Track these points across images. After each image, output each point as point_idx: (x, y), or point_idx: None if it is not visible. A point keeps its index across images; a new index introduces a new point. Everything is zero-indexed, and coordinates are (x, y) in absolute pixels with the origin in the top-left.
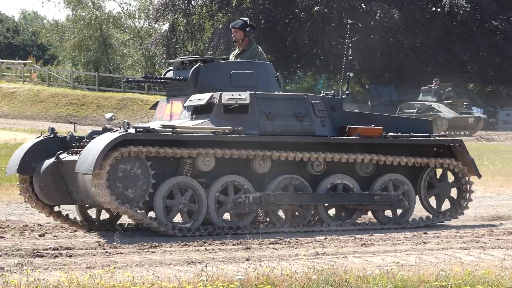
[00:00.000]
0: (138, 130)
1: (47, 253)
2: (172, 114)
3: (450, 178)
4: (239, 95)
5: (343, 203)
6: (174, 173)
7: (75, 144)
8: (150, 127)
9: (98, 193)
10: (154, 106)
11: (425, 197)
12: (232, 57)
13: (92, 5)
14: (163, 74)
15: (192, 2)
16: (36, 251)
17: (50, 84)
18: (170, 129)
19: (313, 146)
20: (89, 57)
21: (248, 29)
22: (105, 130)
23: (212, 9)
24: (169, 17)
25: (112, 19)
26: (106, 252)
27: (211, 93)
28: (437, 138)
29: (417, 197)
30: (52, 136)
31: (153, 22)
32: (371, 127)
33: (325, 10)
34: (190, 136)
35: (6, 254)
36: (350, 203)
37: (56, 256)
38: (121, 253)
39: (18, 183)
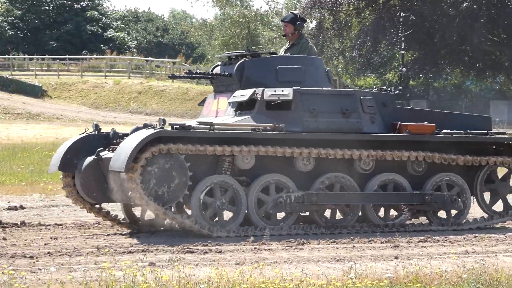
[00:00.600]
0: (174, 127)
1: (197, 249)
2: (218, 111)
3: None
4: (282, 90)
5: (391, 202)
6: (213, 172)
7: (117, 140)
8: (186, 124)
9: (131, 191)
10: (202, 102)
11: (482, 197)
12: (282, 52)
13: (240, 4)
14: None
15: None
16: (186, 247)
17: (198, 82)
18: (208, 126)
19: (360, 143)
20: None
21: (298, 22)
22: (146, 126)
23: (359, 6)
24: (316, 14)
25: (259, 17)
26: (255, 248)
27: (253, 89)
28: (495, 136)
29: (473, 197)
30: (96, 132)
31: None
32: (422, 124)
33: (474, 6)
34: (227, 133)
35: (157, 250)
36: (400, 203)
37: (205, 252)
38: (269, 249)
39: (61, 177)
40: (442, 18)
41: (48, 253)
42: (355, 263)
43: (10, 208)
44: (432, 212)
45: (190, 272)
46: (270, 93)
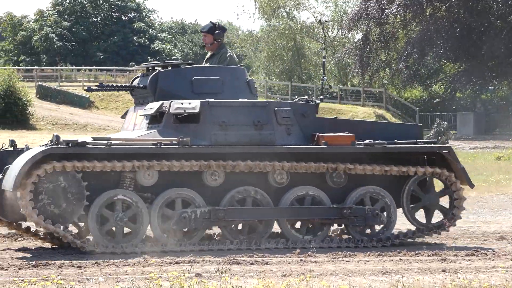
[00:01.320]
0: (68, 143)
1: (243, 261)
2: (136, 124)
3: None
4: (189, 103)
5: (305, 217)
6: (113, 188)
7: None
8: (80, 140)
9: (23, 208)
10: (125, 115)
11: (408, 210)
12: (204, 63)
13: (286, 16)
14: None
15: (386, 11)
16: (232, 258)
17: None
18: (105, 142)
19: (272, 156)
20: (283, 67)
21: (217, 32)
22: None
23: (406, 18)
24: (363, 26)
25: (305, 29)
26: (301, 260)
27: (161, 102)
28: (421, 146)
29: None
30: (11, 148)
31: (347, 32)
32: (340, 134)
33: None
34: (124, 149)
35: (203, 260)
36: (315, 218)
37: (252, 264)
38: (316, 261)
39: None
40: (490, 30)
41: (96, 263)
42: (402, 276)
43: None
44: (351, 226)
45: (236, 284)
46: (176, 105)
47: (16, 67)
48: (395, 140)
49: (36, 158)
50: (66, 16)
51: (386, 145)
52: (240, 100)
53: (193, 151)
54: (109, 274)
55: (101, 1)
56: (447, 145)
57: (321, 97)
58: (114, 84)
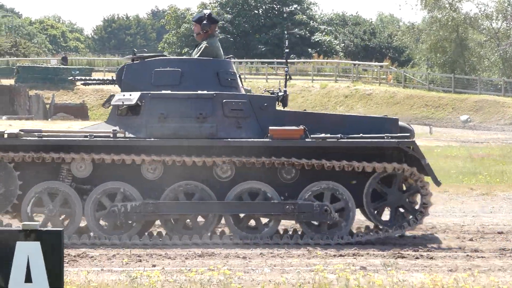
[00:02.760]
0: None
1: (408, 255)
2: None
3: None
4: (130, 95)
5: (247, 212)
6: (50, 179)
7: None
8: (9, 132)
9: None
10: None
11: (369, 207)
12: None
13: (449, 7)
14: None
15: None
16: (397, 252)
17: (405, 86)
18: (36, 133)
19: (212, 149)
20: (445, 58)
21: (204, 22)
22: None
23: None
24: None
25: (468, 20)
26: (467, 255)
27: (111, 94)
28: (378, 140)
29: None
30: None
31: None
32: (288, 128)
33: None
34: (52, 141)
35: (367, 254)
36: (257, 213)
37: (417, 258)
38: (482, 257)
39: None
40: None
41: (261, 254)
42: None
43: None
44: (303, 223)
45: (403, 277)
46: (118, 97)
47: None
48: (361, 134)
49: None
50: (228, 9)
51: (339, 139)
52: (184, 92)
53: (124, 143)
54: (274, 266)
55: None
56: (410, 140)
57: (285, 89)
58: (93, 78)
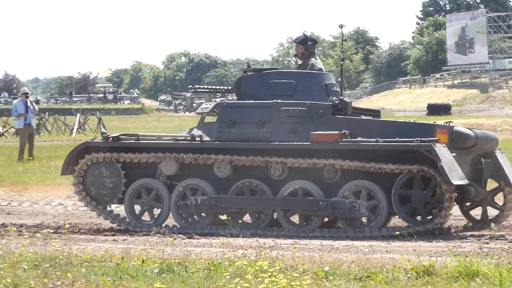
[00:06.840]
0: (104, 138)
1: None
2: None
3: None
4: (209, 104)
5: (284, 207)
6: (149, 177)
7: None
8: (112, 135)
9: (74, 191)
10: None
11: (397, 205)
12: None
13: None
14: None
15: None
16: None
17: None
18: (134, 137)
19: (266, 151)
20: None
21: (308, 43)
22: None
23: None
24: None
25: None
26: None
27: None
28: (398, 144)
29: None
30: None
31: None
32: (327, 132)
33: None
34: (142, 143)
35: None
36: (294, 209)
37: None
38: None
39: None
40: None
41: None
42: None
43: None
44: (340, 218)
45: None
46: (201, 107)
47: None
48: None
49: (77, 150)
50: None
51: (369, 143)
52: (248, 101)
53: (203, 146)
54: None
55: None
56: (426, 144)
57: (341, 97)
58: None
